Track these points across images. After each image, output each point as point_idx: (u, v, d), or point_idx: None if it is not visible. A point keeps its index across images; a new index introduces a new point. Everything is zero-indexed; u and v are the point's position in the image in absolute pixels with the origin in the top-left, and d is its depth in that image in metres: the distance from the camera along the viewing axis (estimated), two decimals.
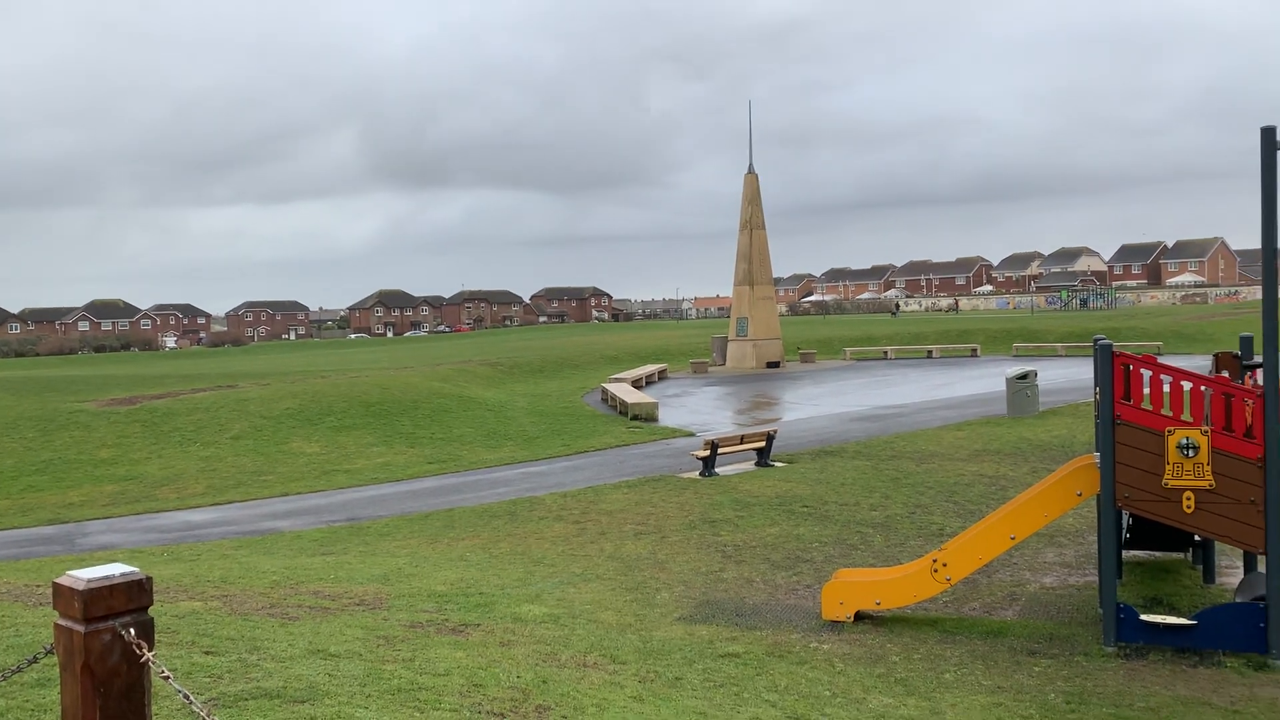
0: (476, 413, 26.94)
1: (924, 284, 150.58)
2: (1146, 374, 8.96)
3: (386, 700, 5.33)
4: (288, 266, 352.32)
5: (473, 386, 32.66)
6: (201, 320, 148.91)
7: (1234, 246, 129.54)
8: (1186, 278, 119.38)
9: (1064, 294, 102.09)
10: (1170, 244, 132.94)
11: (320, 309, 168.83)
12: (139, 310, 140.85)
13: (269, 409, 25.73)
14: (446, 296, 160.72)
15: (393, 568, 11.27)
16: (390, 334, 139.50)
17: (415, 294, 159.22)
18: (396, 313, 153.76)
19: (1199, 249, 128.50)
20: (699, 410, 28.51)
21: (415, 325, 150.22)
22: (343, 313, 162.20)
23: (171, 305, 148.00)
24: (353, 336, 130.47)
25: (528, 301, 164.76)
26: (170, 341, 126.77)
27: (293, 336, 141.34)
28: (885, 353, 45.63)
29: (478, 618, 8.57)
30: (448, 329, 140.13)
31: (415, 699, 5.45)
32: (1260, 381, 8.77)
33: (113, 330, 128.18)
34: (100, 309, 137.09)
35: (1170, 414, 8.73)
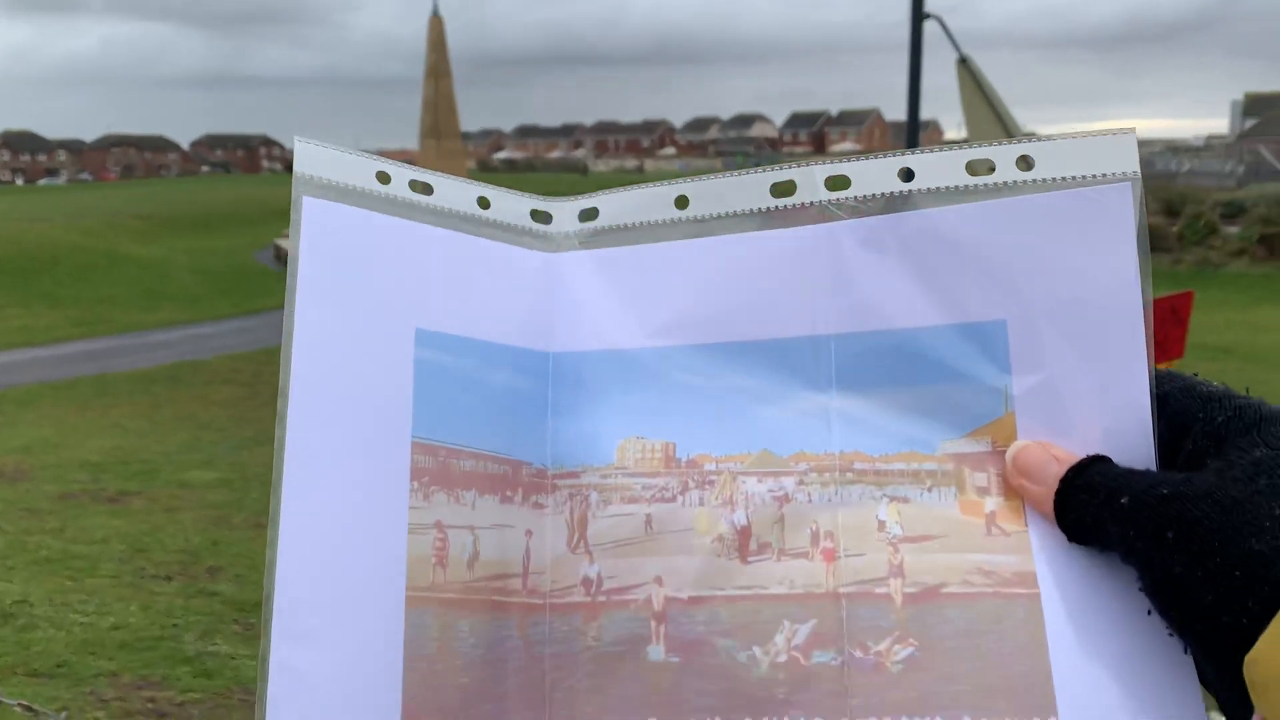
0: (129, 270, 24.77)
1: (611, 145, 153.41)
2: None
3: (33, 571, 5.04)
4: None
5: (124, 242, 29.78)
6: None
7: (888, 118, 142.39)
8: (847, 146, 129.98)
9: (739, 158, 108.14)
10: (835, 114, 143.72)
11: None
12: None
13: None
14: (88, 141, 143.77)
15: (36, 438, 10.36)
16: (20, 181, 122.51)
17: (49, 136, 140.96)
18: (27, 157, 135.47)
19: (858, 119, 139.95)
20: None
21: (51, 173, 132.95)
22: None
23: None
24: None
25: (187, 149, 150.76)
26: None
27: None
28: None
29: (139, 485, 8.16)
30: (91, 177, 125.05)
31: (68, 567, 5.20)
32: None
33: None
34: None
35: None
